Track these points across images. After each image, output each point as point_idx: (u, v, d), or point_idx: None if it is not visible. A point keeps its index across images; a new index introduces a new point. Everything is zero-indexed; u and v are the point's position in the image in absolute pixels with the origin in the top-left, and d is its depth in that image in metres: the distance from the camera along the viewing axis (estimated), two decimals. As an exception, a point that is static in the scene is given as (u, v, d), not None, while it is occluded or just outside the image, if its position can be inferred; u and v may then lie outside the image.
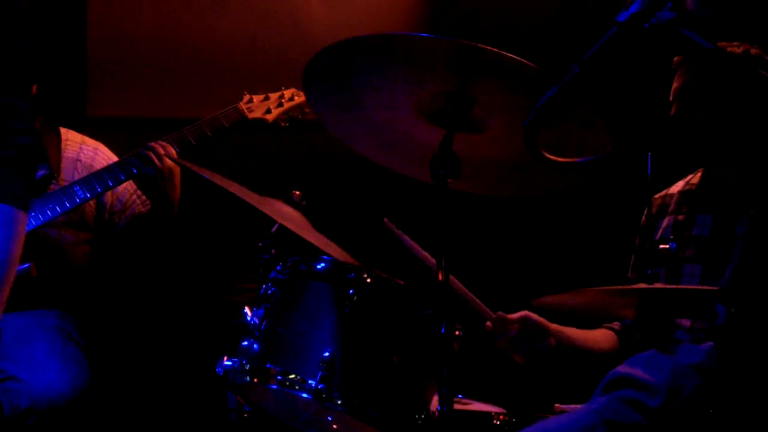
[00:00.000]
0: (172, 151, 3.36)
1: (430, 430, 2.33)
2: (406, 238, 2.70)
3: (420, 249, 2.67)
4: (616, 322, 3.11)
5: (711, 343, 1.38)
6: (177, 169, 3.37)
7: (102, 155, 3.52)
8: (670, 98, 2.96)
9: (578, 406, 2.71)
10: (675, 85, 2.95)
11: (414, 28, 4.14)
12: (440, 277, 2.21)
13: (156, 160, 3.32)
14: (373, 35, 2.30)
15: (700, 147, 2.94)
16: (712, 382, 1.34)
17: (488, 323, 2.81)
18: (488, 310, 2.80)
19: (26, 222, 2.15)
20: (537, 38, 4.04)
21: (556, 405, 2.76)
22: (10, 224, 2.06)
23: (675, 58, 2.96)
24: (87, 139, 3.57)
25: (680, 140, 2.93)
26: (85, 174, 3.38)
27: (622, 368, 1.41)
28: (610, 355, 3.04)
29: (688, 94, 2.90)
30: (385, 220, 2.70)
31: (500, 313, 2.82)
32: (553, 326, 2.86)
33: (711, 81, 2.84)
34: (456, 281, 2.64)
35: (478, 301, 2.77)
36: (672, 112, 2.95)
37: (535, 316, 2.82)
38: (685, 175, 3.13)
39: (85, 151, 3.52)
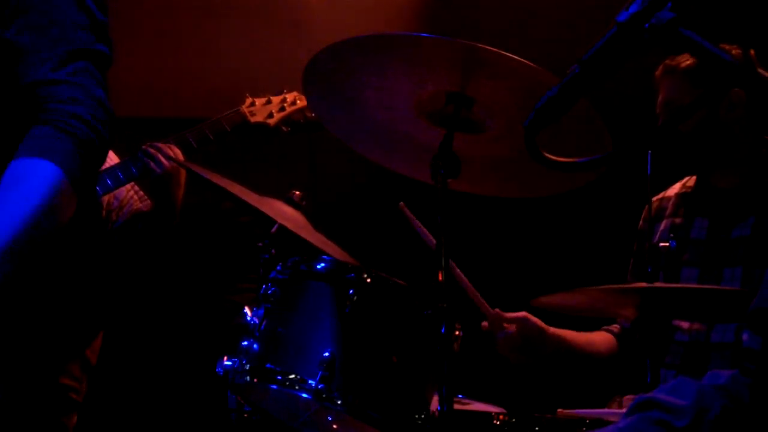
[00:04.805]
0: (179, 152, 3.35)
1: (430, 430, 2.33)
2: (420, 225, 2.71)
3: (434, 239, 2.67)
4: (615, 325, 3.11)
5: (737, 370, 1.38)
6: (182, 169, 3.37)
7: None
8: (656, 111, 2.98)
9: (579, 411, 2.72)
10: (658, 98, 2.97)
11: (414, 28, 4.14)
12: (440, 277, 2.22)
13: (164, 160, 3.32)
14: (373, 35, 2.29)
15: (686, 157, 2.96)
16: (739, 406, 1.34)
17: (484, 323, 2.82)
18: (486, 304, 2.80)
19: (72, 198, 1.79)
20: (537, 38, 4.04)
21: (559, 410, 2.75)
22: (42, 189, 1.72)
23: (656, 73, 2.98)
24: None
25: (668, 150, 2.95)
26: None
27: (650, 393, 1.42)
28: (608, 359, 3.04)
29: (670, 107, 2.92)
30: (401, 204, 2.71)
31: (497, 310, 2.82)
32: (551, 329, 2.86)
33: (691, 95, 2.87)
34: (457, 270, 2.64)
35: (477, 293, 2.77)
36: (659, 123, 2.97)
37: (534, 318, 2.82)
38: (681, 178, 3.14)
39: None
